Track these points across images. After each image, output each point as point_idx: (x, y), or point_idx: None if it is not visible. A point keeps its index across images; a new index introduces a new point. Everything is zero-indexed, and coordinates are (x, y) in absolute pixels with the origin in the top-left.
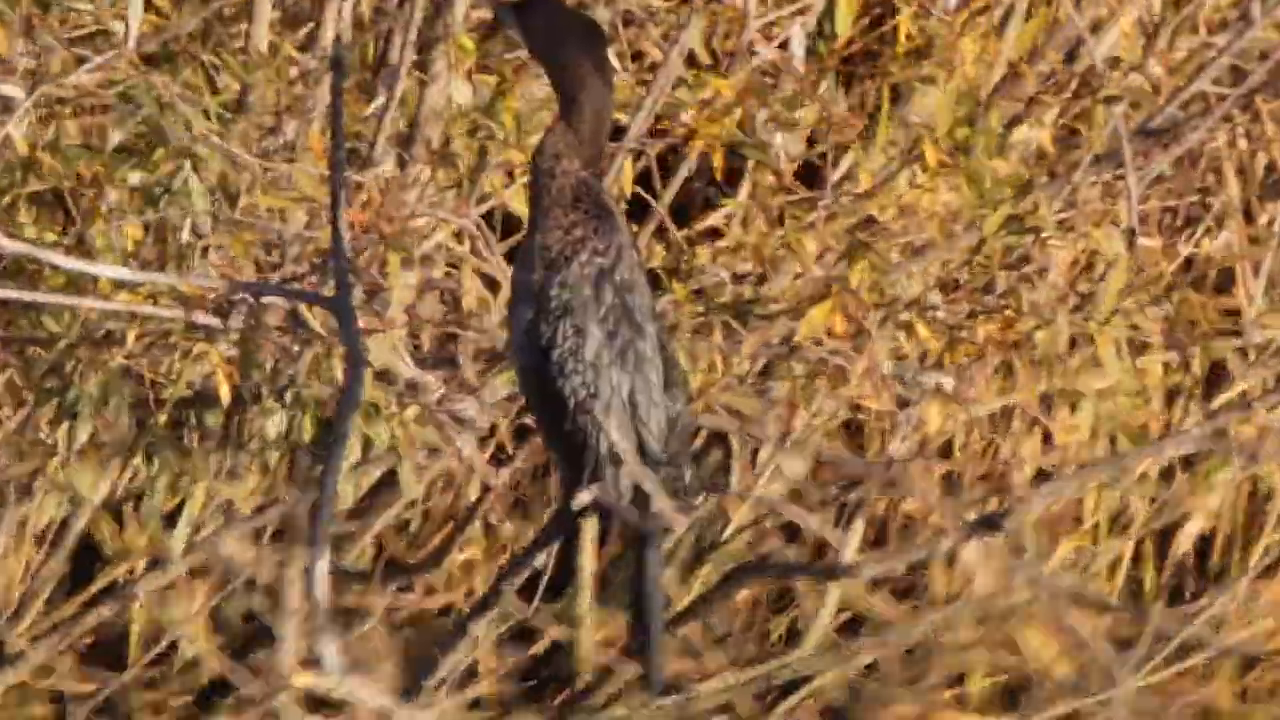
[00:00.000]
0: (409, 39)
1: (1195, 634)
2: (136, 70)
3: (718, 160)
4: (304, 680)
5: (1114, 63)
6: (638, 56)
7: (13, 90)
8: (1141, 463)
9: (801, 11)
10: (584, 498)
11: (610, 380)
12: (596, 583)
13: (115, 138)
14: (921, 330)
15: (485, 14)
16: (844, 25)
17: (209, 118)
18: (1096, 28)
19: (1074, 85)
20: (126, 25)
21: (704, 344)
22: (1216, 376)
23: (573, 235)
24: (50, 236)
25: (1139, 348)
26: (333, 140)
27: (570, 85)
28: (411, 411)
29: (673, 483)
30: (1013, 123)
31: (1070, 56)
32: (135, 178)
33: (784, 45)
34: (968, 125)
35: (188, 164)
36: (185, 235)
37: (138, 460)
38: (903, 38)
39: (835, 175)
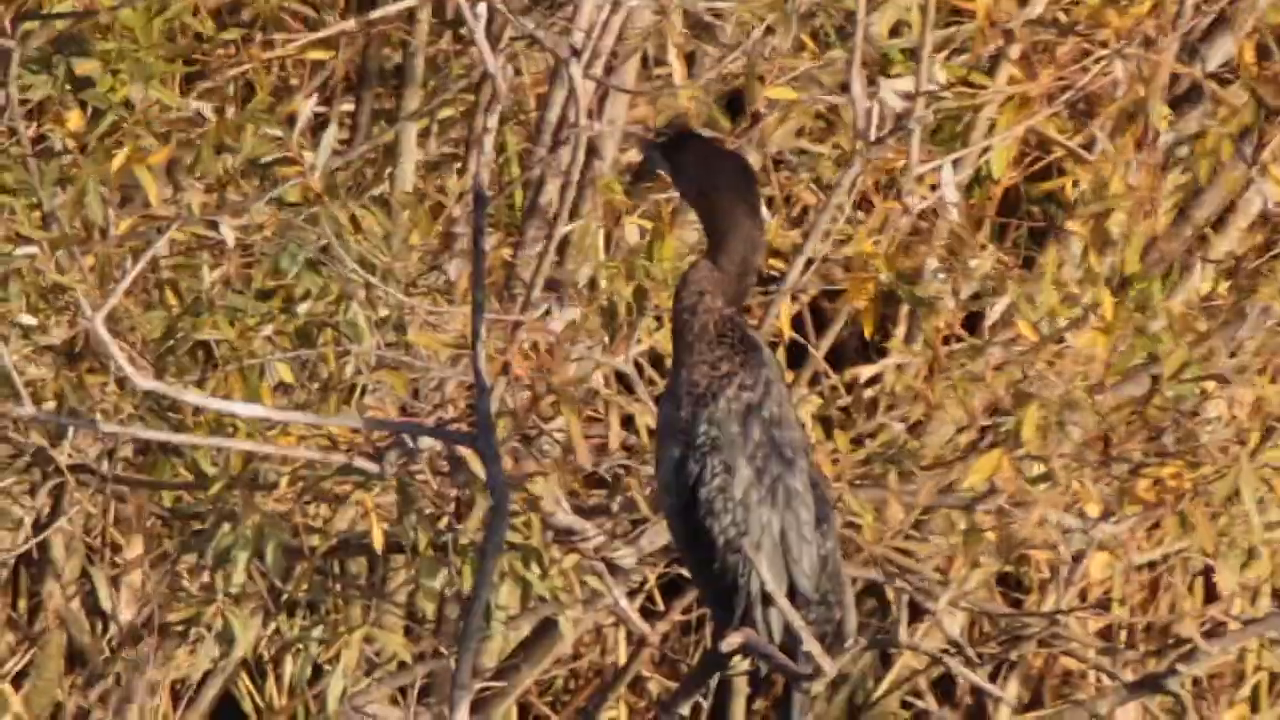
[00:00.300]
0: (572, 179)
1: None
2: (311, 202)
3: (868, 316)
4: None
5: None
6: (788, 200)
7: (226, 231)
8: None
9: (957, 160)
10: (734, 640)
11: (760, 518)
12: None
13: (264, 279)
14: (1081, 491)
15: (633, 157)
16: (1000, 168)
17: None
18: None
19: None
20: (316, 158)
21: (869, 493)
22: None
23: (719, 370)
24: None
25: None
26: (473, 279)
27: (720, 224)
28: (570, 560)
29: (824, 625)
30: (1170, 271)
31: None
32: (303, 308)
33: (935, 188)
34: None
35: (354, 301)
36: (349, 370)
37: (282, 614)
38: (1070, 186)
39: (990, 321)
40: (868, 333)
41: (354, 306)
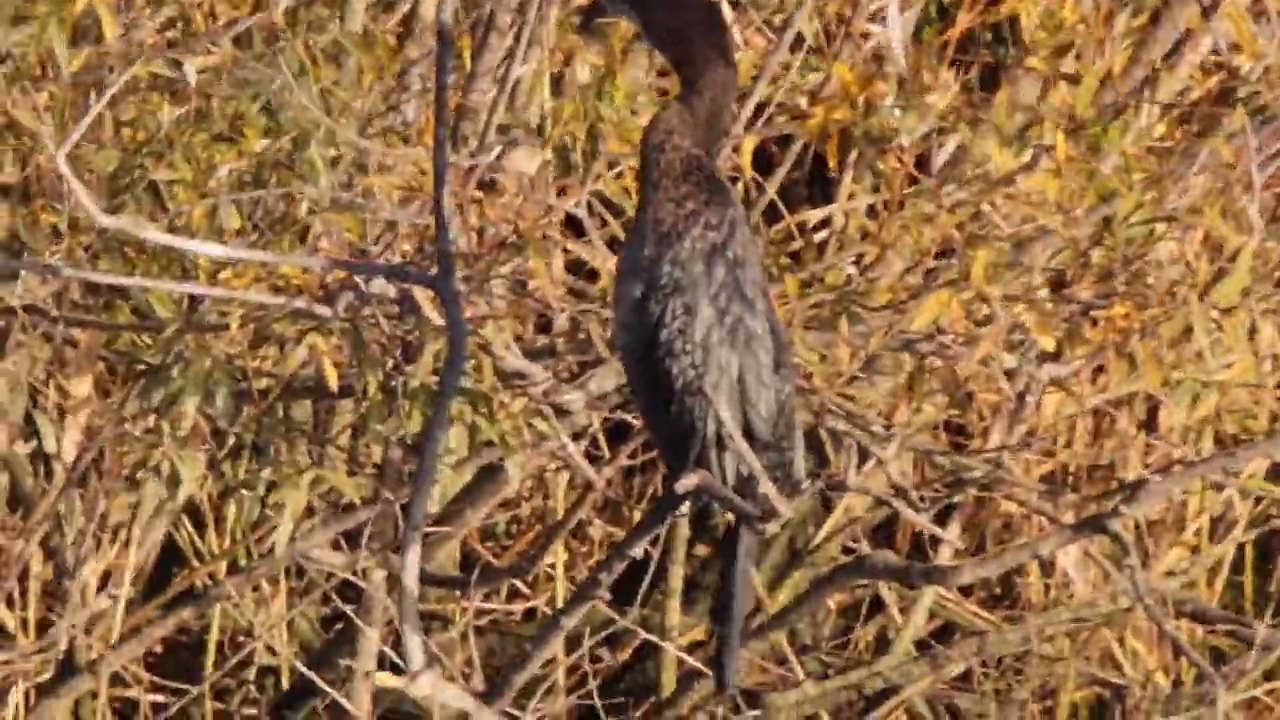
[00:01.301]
0: (531, 18)
1: None
2: (279, 33)
3: (832, 148)
4: (387, 682)
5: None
6: (743, 43)
7: (189, 71)
8: (1252, 461)
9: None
10: (688, 482)
11: (719, 360)
12: (687, 586)
13: (223, 122)
14: (1035, 325)
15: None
16: None
17: (319, 98)
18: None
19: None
20: None
21: (818, 336)
22: None
23: (684, 209)
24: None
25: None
26: (436, 119)
27: (689, 66)
28: (519, 403)
29: (776, 469)
30: (1122, 110)
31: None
32: (260, 145)
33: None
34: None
35: (314, 140)
36: (303, 211)
37: (225, 459)
38: (1024, 17)
39: (942, 160)
40: (831, 164)
41: (311, 145)
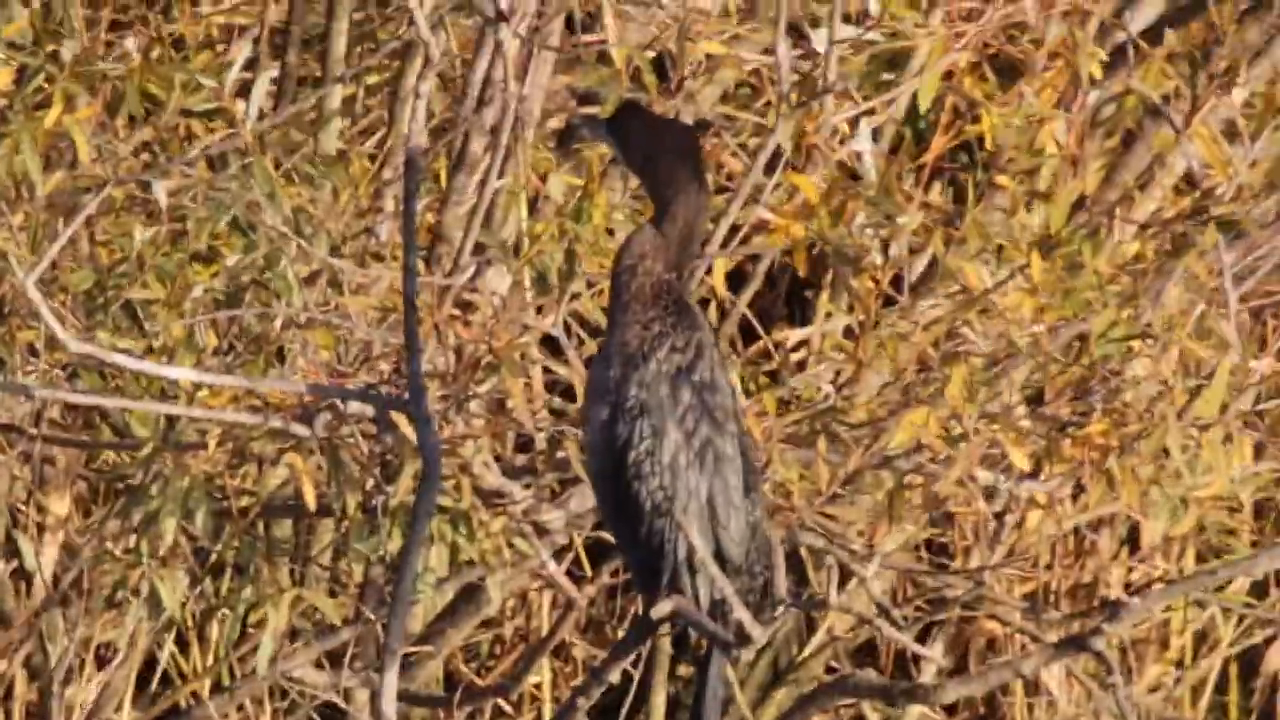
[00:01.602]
0: (500, 139)
1: None
2: (249, 152)
3: (800, 260)
4: None
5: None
6: (718, 168)
7: (160, 191)
8: (1234, 578)
9: (870, 112)
10: (663, 607)
11: (688, 483)
12: (670, 705)
13: (199, 241)
14: (1012, 445)
15: (558, 123)
16: (926, 102)
17: (295, 217)
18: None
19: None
20: (248, 104)
21: (797, 454)
22: None
23: (651, 331)
24: (129, 344)
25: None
26: (405, 244)
27: (664, 190)
28: (498, 523)
29: (753, 593)
30: (1096, 230)
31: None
32: (233, 260)
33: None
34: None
35: (285, 257)
36: (278, 327)
37: (207, 576)
38: (989, 143)
39: (913, 278)
40: (802, 273)
41: (284, 261)
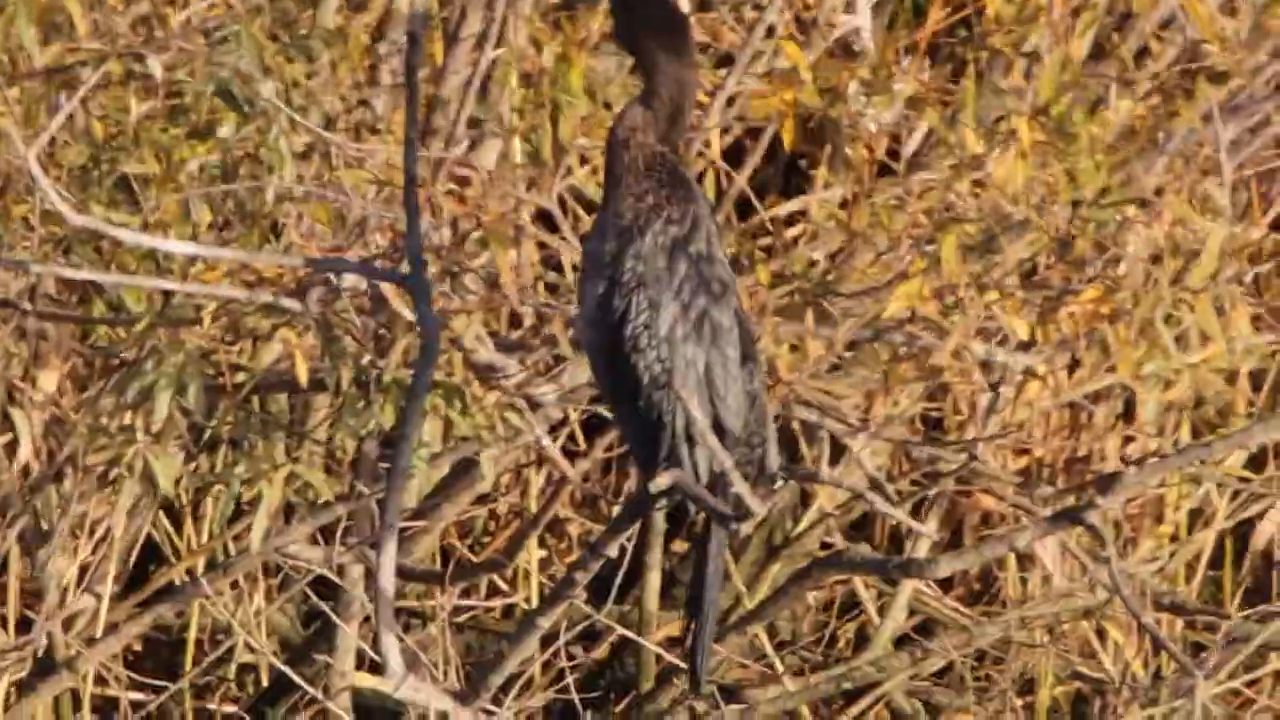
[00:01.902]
0: (495, 10)
1: (1272, 637)
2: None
3: (788, 129)
4: (365, 682)
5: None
6: (714, 39)
7: (154, 65)
8: (1228, 452)
9: None
10: (662, 481)
11: (685, 355)
12: (665, 581)
13: (197, 115)
14: (1009, 314)
15: None
16: None
17: (289, 90)
18: None
19: (1168, 61)
20: None
21: (789, 328)
22: None
23: (645, 203)
24: (123, 218)
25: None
26: (407, 117)
27: (649, 66)
28: (492, 397)
29: (748, 464)
30: (1097, 102)
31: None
32: (226, 129)
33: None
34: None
35: (276, 127)
36: (269, 199)
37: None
38: (991, 14)
39: (912, 149)
40: (787, 144)
41: (275, 130)
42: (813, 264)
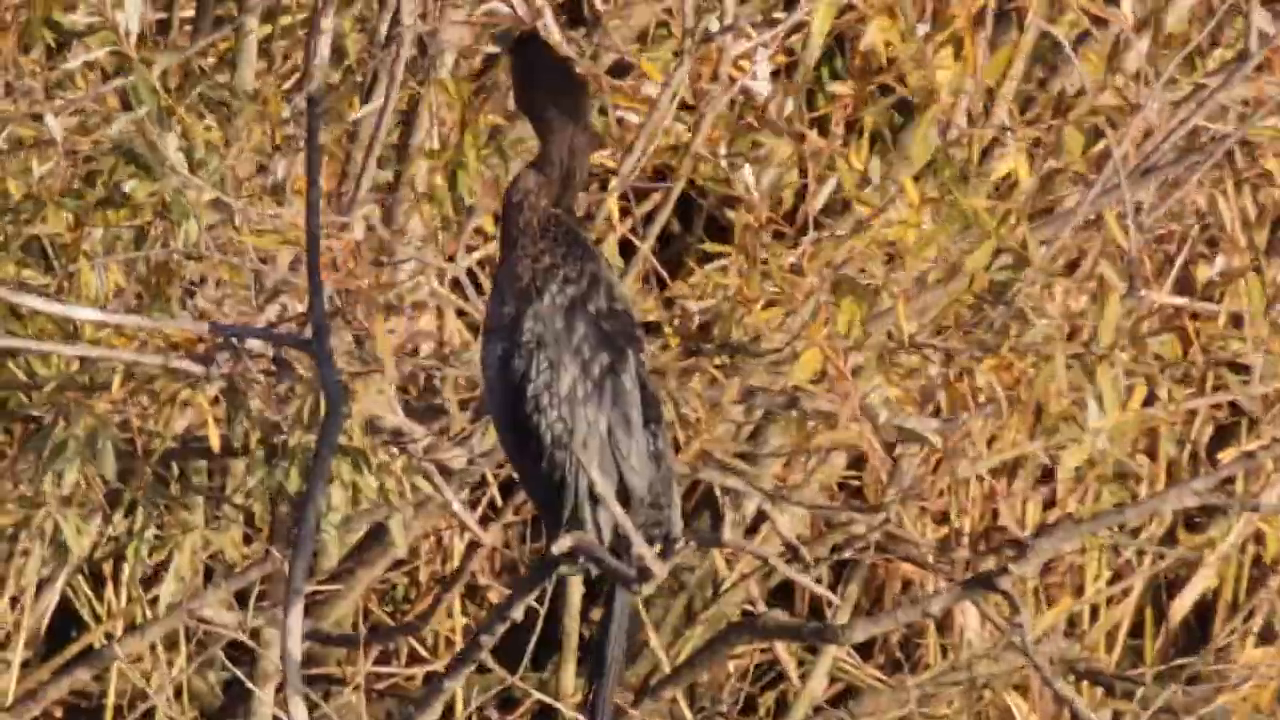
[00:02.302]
0: (395, 75)
1: (1187, 702)
2: (134, 66)
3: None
4: None
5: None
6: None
7: (54, 126)
8: (1144, 517)
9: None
10: (564, 542)
11: (587, 416)
12: (583, 647)
13: (98, 186)
14: (892, 385)
15: (473, 61)
16: (820, 32)
17: (195, 156)
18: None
19: (1048, 110)
20: (127, 20)
21: (690, 390)
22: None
23: (541, 264)
24: (33, 277)
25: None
26: (308, 181)
27: (542, 129)
28: (400, 462)
29: (653, 526)
30: (987, 151)
31: (1042, 84)
32: (130, 185)
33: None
34: (945, 155)
35: (185, 193)
36: (176, 257)
37: (117, 516)
38: (873, 59)
39: (814, 208)
40: (666, 197)
41: (179, 197)
42: (704, 325)
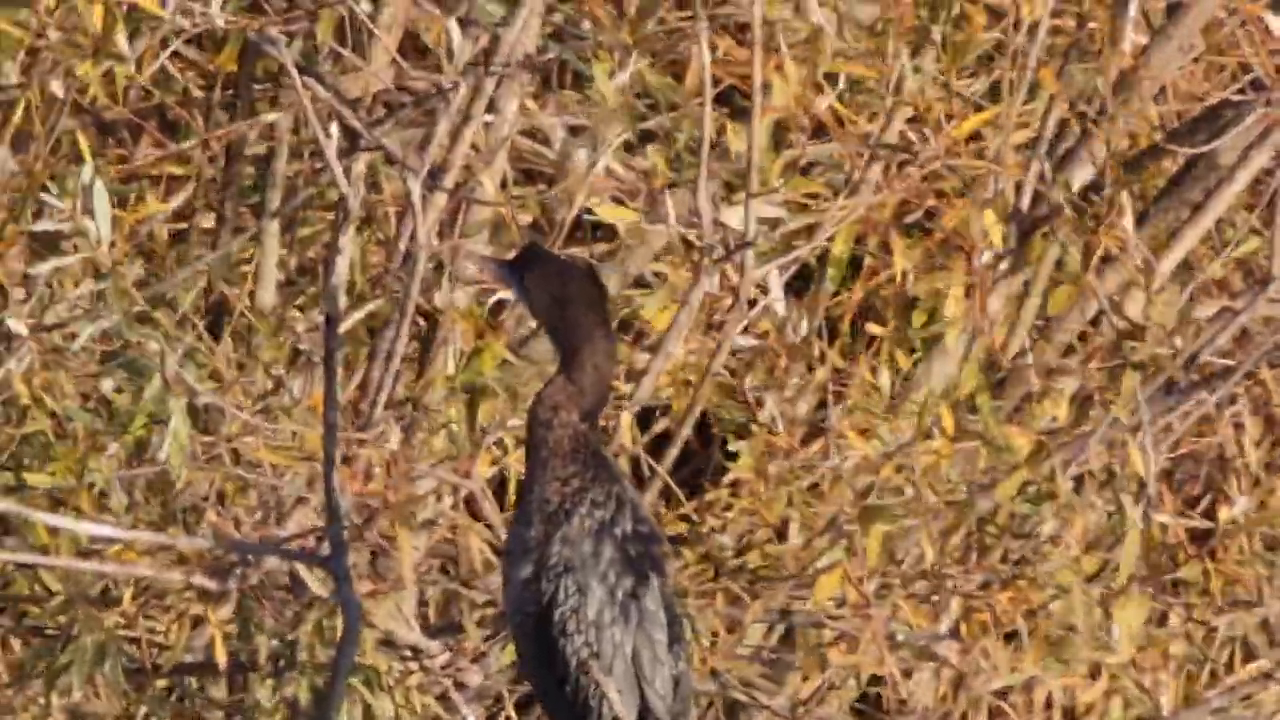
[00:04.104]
0: (412, 295)
1: None
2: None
3: (678, 409)
4: None
5: (1135, 331)
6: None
7: (15, 325)
8: None
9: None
10: None
11: (613, 639)
12: None
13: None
14: (909, 611)
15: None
16: (838, 272)
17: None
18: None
19: (1097, 353)
20: (97, 227)
21: (710, 611)
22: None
23: (570, 487)
24: (37, 478)
25: (1157, 620)
26: (326, 399)
27: (572, 338)
28: (415, 679)
29: None
30: (1028, 395)
31: (1094, 322)
32: (106, 385)
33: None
34: (986, 390)
35: (180, 405)
36: (176, 472)
37: None
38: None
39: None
40: (684, 431)
41: (156, 389)
42: (739, 550)
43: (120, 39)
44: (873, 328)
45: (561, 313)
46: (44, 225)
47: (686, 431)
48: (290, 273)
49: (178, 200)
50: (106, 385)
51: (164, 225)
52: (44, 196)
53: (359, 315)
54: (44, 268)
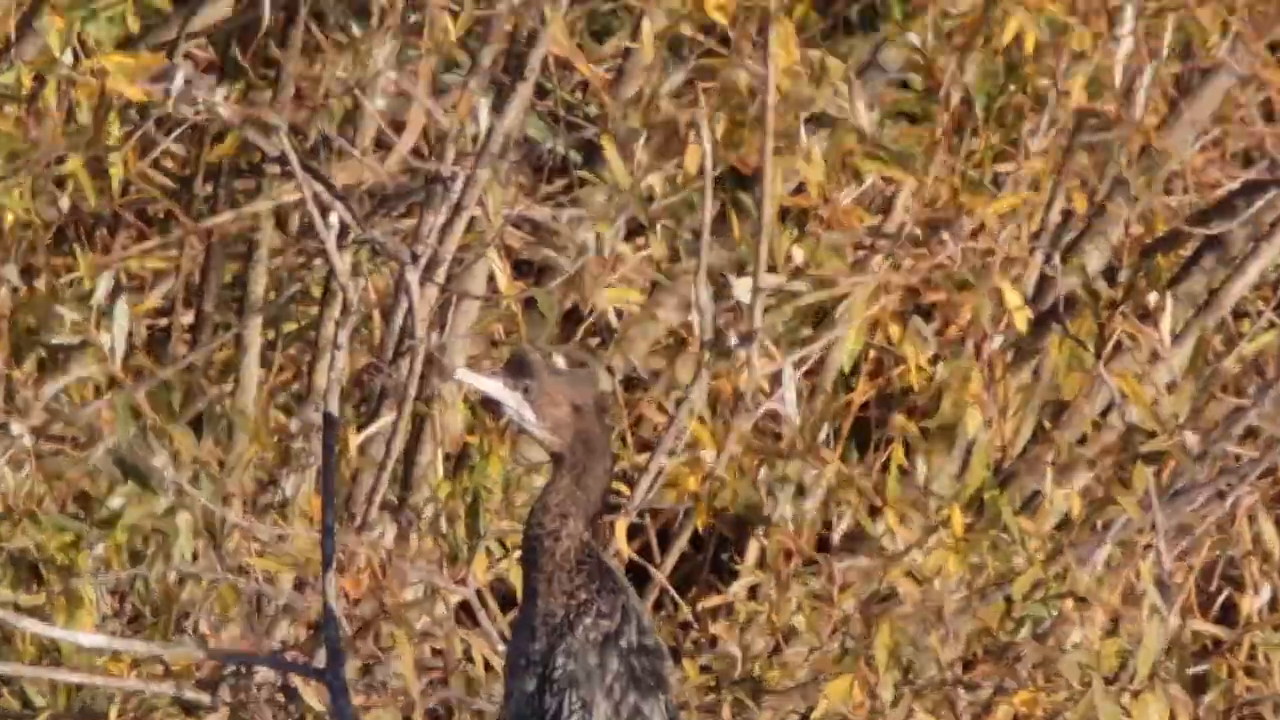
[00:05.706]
0: (409, 393)
1: None
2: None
3: (701, 514)
4: None
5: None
6: (639, 421)
7: (17, 427)
8: None
9: (801, 361)
10: None
11: None
12: None
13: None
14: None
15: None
16: (849, 359)
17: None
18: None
19: (1107, 447)
20: (113, 340)
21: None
22: None
23: (576, 600)
24: (24, 599)
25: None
26: (324, 502)
27: (581, 447)
28: None
29: None
30: (1035, 494)
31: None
32: (117, 502)
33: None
34: (995, 488)
35: (179, 512)
36: (172, 576)
37: None
38: (915, 385)
39: (838, 536)
40: (699, 522)
41: (177, 514)
42: (743, 659)
43: (114, 129)
44: (897, 422)
45: (569, 422)
46: (59, 340)
47: (685, 538)
48: (273, 369)
49: (155, 296)
50: (115, 502)
51: (142, 322)
52: (63, 309)
53: (373, 429)
54: (54, 387)
